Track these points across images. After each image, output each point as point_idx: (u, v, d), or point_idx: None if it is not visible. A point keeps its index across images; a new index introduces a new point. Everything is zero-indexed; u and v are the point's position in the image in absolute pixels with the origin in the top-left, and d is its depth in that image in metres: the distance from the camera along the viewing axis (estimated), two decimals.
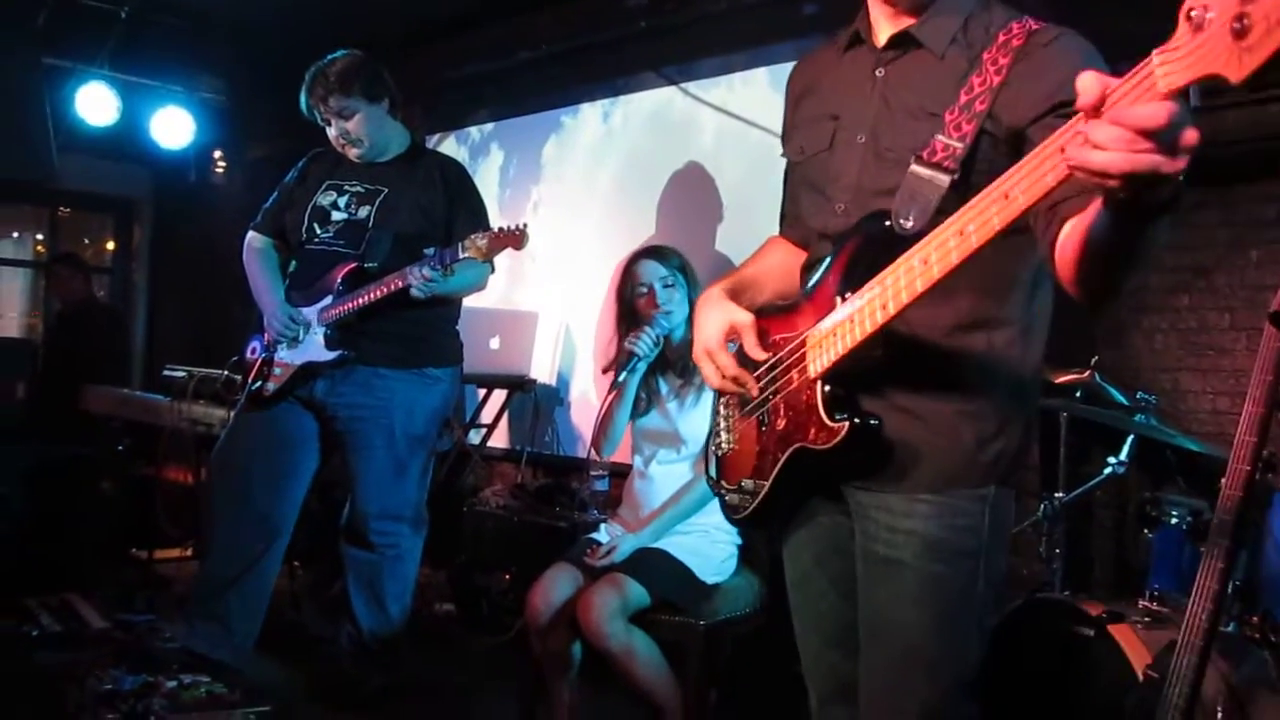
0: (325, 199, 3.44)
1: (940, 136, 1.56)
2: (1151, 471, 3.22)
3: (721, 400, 1.91)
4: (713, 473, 1.92)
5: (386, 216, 3.35)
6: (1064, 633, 2.51)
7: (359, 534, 3.40)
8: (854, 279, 1.55)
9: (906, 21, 1.67)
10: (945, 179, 1.52)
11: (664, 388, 3.25)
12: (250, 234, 3.66)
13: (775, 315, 1.77)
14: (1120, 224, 1.21)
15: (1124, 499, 3.43)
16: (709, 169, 4.76)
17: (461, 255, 3.06)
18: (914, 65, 1.66)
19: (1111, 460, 2.92)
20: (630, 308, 3.27)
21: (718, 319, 1.75)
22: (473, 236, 3.07)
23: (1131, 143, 1.03)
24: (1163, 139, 1.03)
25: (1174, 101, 1.01)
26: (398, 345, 3.33)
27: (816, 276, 1.68)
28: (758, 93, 4.59)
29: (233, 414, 3.58)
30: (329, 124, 3.38)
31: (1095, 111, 1.06)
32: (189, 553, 5.37)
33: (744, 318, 1.73)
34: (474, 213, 3.42)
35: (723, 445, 1.89)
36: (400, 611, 3.48)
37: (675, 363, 3.22)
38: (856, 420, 1.57)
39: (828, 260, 1.65)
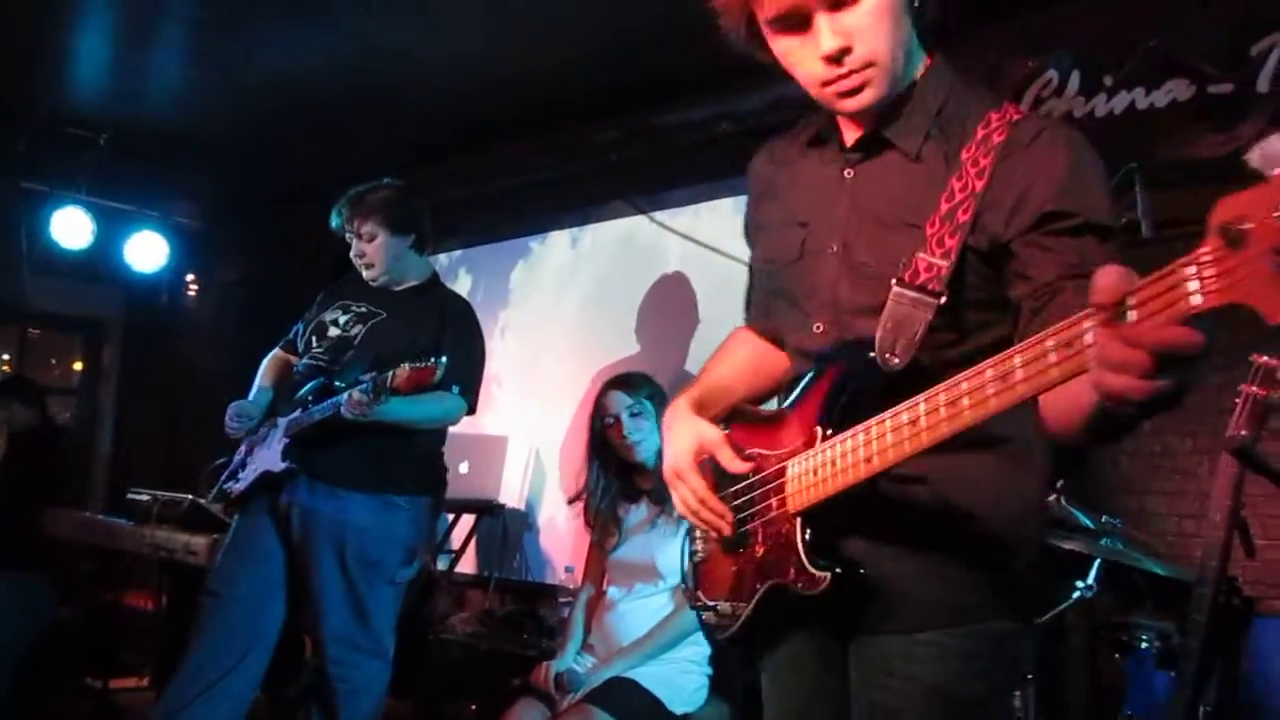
0: (329, 315, 3.46)
1: (922, 254, 1.41)
2: (1121, 594, 3.21)
3: None
4: (690, 582, 1.77)
5: (373, 338, 3.33)
6: None
7: (318, 659, 3.31)
8: (835, 412, 1.46)
9: (876, 125, 1.52)
10: (931, 304, 1.39)
11: (634, 518, 3.24)
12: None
13: (752, 425, 1.66)
14: (1112, 423, 1.14)
15: (1095, 622, 3.41)
16: (676, 293, 4.83)
17: (390, 384, 2.99)
18: (886, 168, 1.51)
19: (1080, 584, 2.91)
20: (600, 438, 3.29)
21: (686, 436, 1.62)
22: (399, 368, 3.00)
23: (1154, 367, 0.95)
24: (1188, 362, 0.95)
25: (1201, 334, 0.93)
26: (360, 468, 3.25)
27: (796, 395, 1.57)
28: (723, 219, 4.71)
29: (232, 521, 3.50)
30: (352, 243, 3.43)
31: (1111, 310, 0.97)
32: (145, 682, 5.21)
33: (713, 434, 1.60)
34: (461, 345, 3.34)
35: (699, 553, 1.75)
36: None
37: (651, 491, 3.21)
38: (838, 572, 1.42)
39: (808, 381, 1.55)
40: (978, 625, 1.47)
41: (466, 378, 3.25)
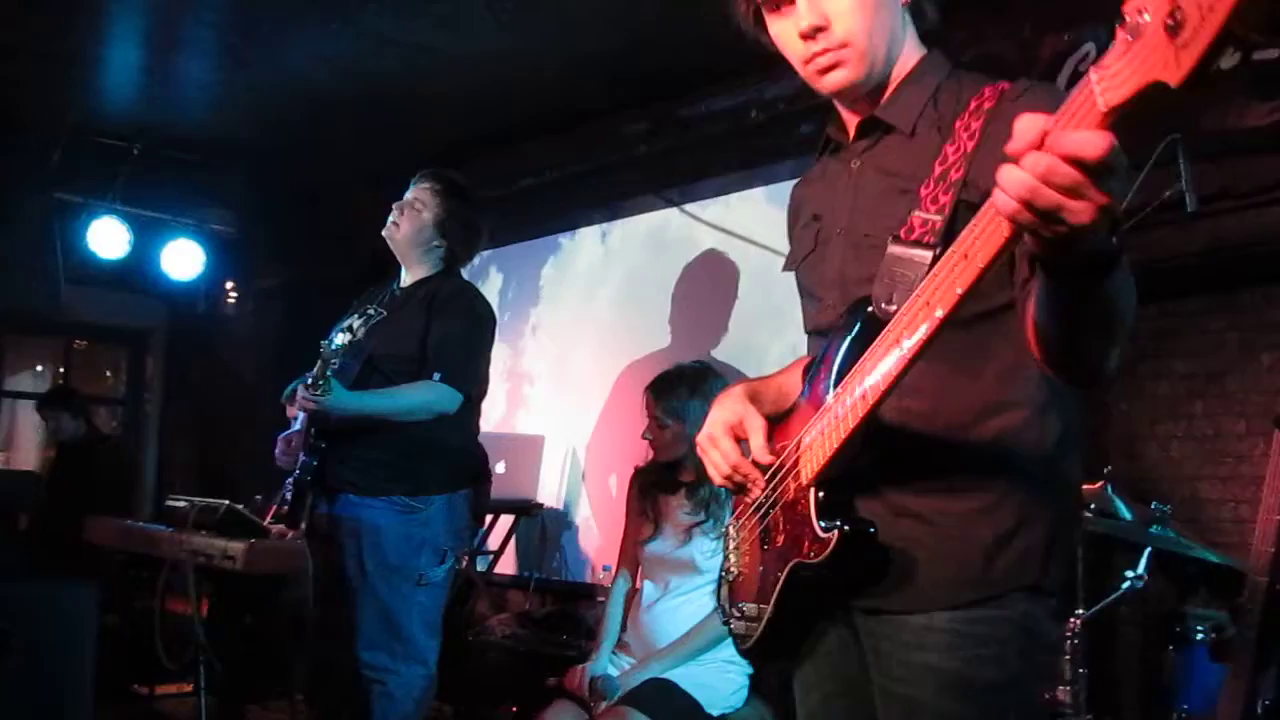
0: (345, 322, 3.34)
1: (917, 212, 1.45)
2: (1173, 584, 3.11)
3: (730, 522, 1.74)
4: (723, 601, 1.74)
5: (369, 340, 3.20)
6: None
7: (353, 665, 3.28)
8: (841, 373, 1.44)
9: (868, 109, 1.58)
10: (926, 255, 1.40)
11: (672, 510, 3.17)
12: None
13: (779, 421, 1.63)
14: (1055, 289, 1.15)
15: (1146, 613, 3.30)
16: (709, 285, 4.77)
17: (327, 373, 2.95)
18: (886, 149, 1.57)
19: (1130, 574, 2.81)
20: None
21: (729, 410, 1.61)
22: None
23: (1049, 172, 0.98)
24: (1094, 171, 0.97)
25: (1110, 133, 0.95)
26: (372, 472, 3.15)
27: (810, 376, 1.57)
28: (755, 210, 4.63)
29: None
30: (397, 209, 3.35)
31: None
32: (189, 688, 5.23)
33: (756, 419, 1.58)
34: (445, 330, 3.21)
35: (731, 570, 1.72)
36: None
37: (690, 485, 3.14)
38: (846, 528, 1.40)
39: (818, 358, 1.54)
40: (993, 605, 1.43)
41: (449, 365, 3.11)
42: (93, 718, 4.41)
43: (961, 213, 1.39)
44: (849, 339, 1.45)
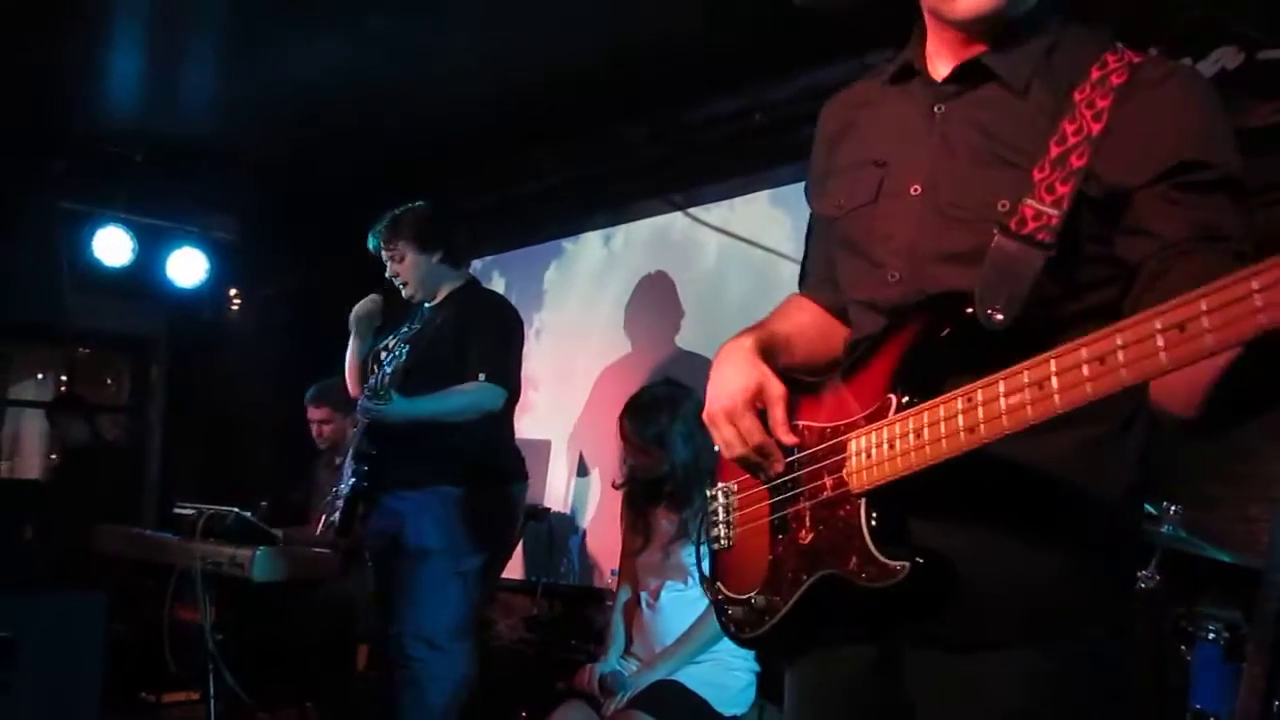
0: (383, 345, 3.60)
1: (1030, 200, 1.24)
2: (1185, 583, 3.10)
3: (719, 486, 1.57)
4: (707, 570, 1.59)
5: (409, 355, 3.42)
6: None
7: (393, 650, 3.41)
8: (915, 376, 1.27)
9: (976, 49, 1.35)
10: (1040, 256, 1.21)
11: (658, 521, 3.19)
12: None
13: (803, 392, 1.45)
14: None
15: (1157, 613, 3.30)
16: (712, 289, 4.77)
17: (384, 381, 3.23)
18: (986, 102, 1.34)
19: (1141, 574, 2.81)
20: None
21: (745, 375, 1.42)
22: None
23: None
24: None
25: None
26: (411, 465, 3.38)
27: (858, 357, 1.40)
28: (760, 212, 4.64)
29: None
30: (387, 264, 3.60)
31: None
32: (197, 696, 5.23)
33: (776, 387, 1.40)
34: (483, 335, 3.46)
35: (721, 540, 1.55)
36: None
37: (672, 494, 3.16)
38: (919, 561, 1.23)
39: (876, 339, 1.37)
40: (1069, 637, 1.27)
41: (492, 364, 3.36)
42: None
43: (1083, 210, 1.24)
44: (930, 336, 1.29)
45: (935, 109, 1.38)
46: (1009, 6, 1.30)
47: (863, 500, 1.29)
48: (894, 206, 1.39)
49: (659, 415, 3.16)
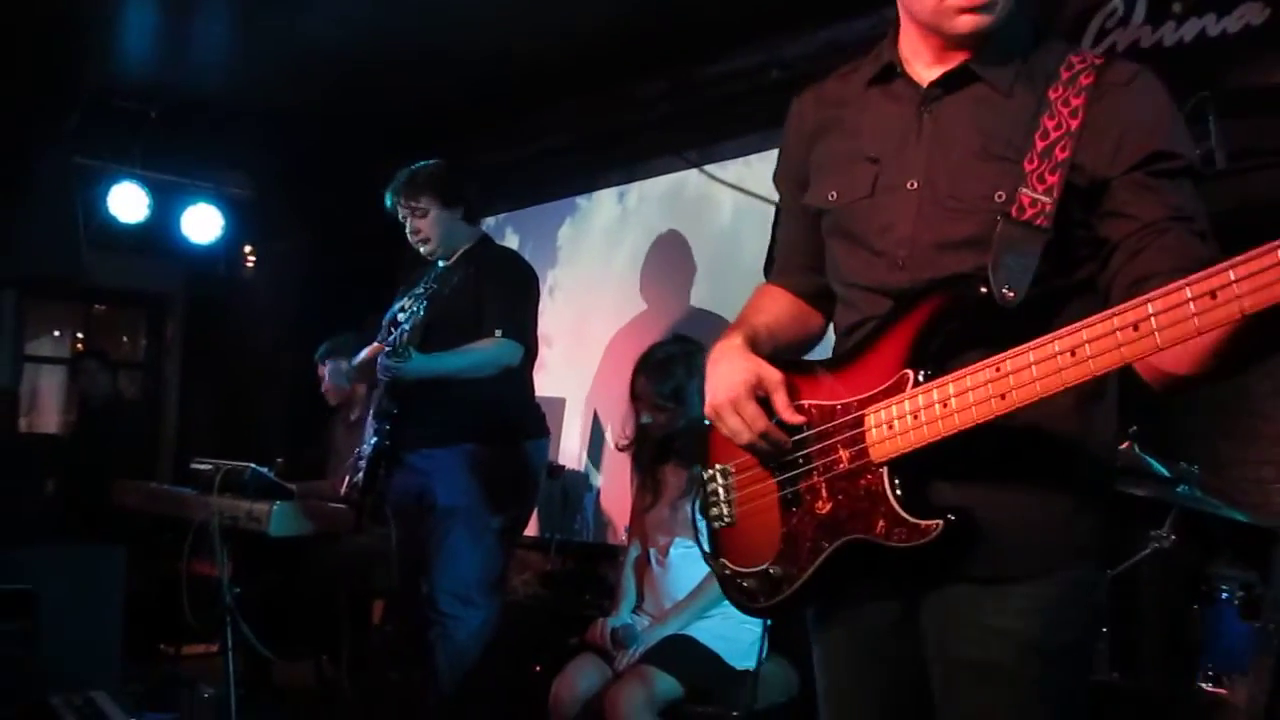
0: (399, 305, 3.61)
1: (1025, 190, 1.38)
2: (1199, 543, 3.10)
3: (716, 467, 1.66)
4: (708, 547, 1.68)
5: (426, 312, 3.45)
6: (1119, 718, 2.40)
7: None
8: (932, 352, 1.39)
9: (959, 57, 1.48)
10: (1040, 239, 1.36)
11: (667, 478, 3.20)
12: None
13: (800, 373, 1.55)
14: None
15: (1171, 573, 3.30)
16: (727, 246, 4.75)
17: (404, 339, 3.24)
18: (973, 103, 1.47)
19: (1155, 533, 2.82)
20: (635, 406, 3.28)
21: (741, 369, 1.53)
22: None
23: None
24: None
25: None
26: (435, 425, 3.40)
27: (865, 337, 1.50)
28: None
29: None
30: (405, 220, 3.59)
31: None
32: (215, 648, 5.30)
33: (773, 373, 1.52)
34: (499, 292, 3.48)
35: (723, 517, 1.64)
36: (452, 685, 3.42)
37: (681, 450, 3.17)
38: (951, 518, 1.35)
39: (886, 321, 1.46)
40: (1067, 571, 1.45)
41: (508, 320, 3.39)
42: (122, 676, 4.48)
43: (1070, 196, 1.38)
44: (945, 315, 1.40)
45: (923, 112, 1.50)
46: (995, 29, 1.44)
47: (885, 468, 1.40)
48: (891, 200, 1.50)
49: (675, 371, 3.17)
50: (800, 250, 1.71)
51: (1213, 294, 1.08)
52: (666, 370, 3.17)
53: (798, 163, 1.68)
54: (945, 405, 1.33)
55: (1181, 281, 1.12)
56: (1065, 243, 1.40)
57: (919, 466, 1.39)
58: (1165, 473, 2.87)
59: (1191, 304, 1.10)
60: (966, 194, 1.44)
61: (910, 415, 1.37)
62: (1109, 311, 1.19)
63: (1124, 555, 2.93)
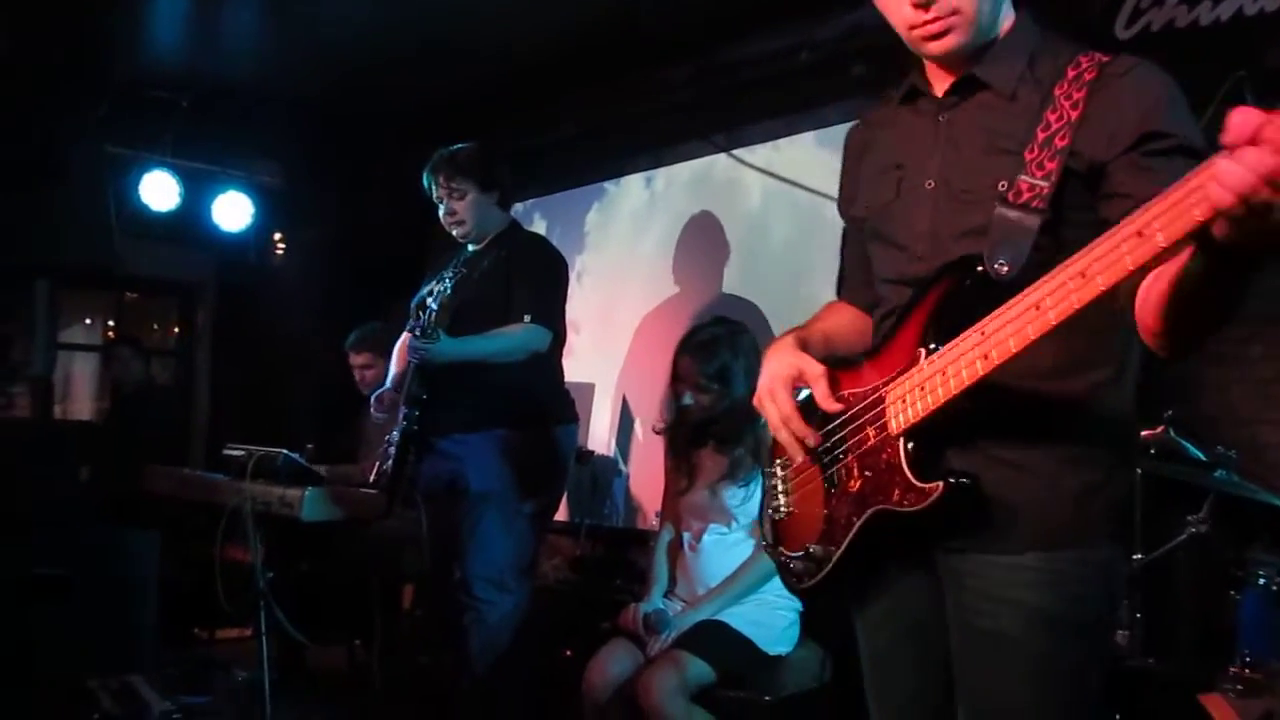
0: (427, 289, 3.59)
1: (1024, 176, 1.49)
2: (1236, 529, 3.07)
3: (777, 461, 1.80)
4: (769, 538, 1.81)
5: (455, 296, 3.45)
6: (1154, 704, 2.38)
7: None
8: (940, 329, 1.49)
9: (963, 68, 1.62)
10: (1035, 220, 1.46)
11: (704, 462, 3.20)
12: None
13: (843, 368, 1.68)
14: (1215, 271, 1.17)
15: (1207, 559, 3.27)
16: (756, 231, 4.73)
17: (432, 320, 3.25)
18: (982, 107, 1.60)
19: (1191, 519, 2.79)
20: (674, 388, 3.26)
21: (785, 363, 1.66)
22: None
23: (1272, 172, 1.00)
24: None
25: None
26: (466, 411, 3.41)
27: (892, 325, 1.61)
28: (805, 153, 4.58)
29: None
30: (441, 202, 3.58)
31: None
32: (249, 632, 5.35)
33: (815, 367, 1.64)
34: (527, 277, 3.47)
35: (780, 509, 1.78)
36: (485, 669, 3.43)
37: (719, 435, 3.16)
38: (951, 480, 1.44)
39: (905, 310, 1.58)
40: (1079, 549, 1.51)
41: (536, 305, 3.39)
42: (158, 660, 4.54)
43: (1069, 180, 1.48)
44: (950, 294, 1.50)
45: (940, 118, 1.64)
46: (972, 40, 1.57)
47: (900, 439, 1.50)
48: (913, 199, 1.64)
49: (720, 351, 3.15)
50: (860, 267, 1.82)
51: (1139, 233, 1.17)
52: (711, 351, 3.15)
53: (850, 185, 1.84)
54: (944, 374, 1.43)
55: (1118, 226, 1.21)
56: (1065, 223, 1.48)
57: (932, 437, 1.49)
58: (1202, 457, 2.85)
59: (1123, 244, 1.18)
60: (975, 186, 1.55)
61: (919, 388, 1.47)
62: (1060, 265, 1.28)
63: (1159, 540, 2.91)
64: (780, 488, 1.78)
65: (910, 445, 1.49)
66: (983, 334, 1.38)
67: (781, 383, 1.65)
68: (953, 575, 1.57)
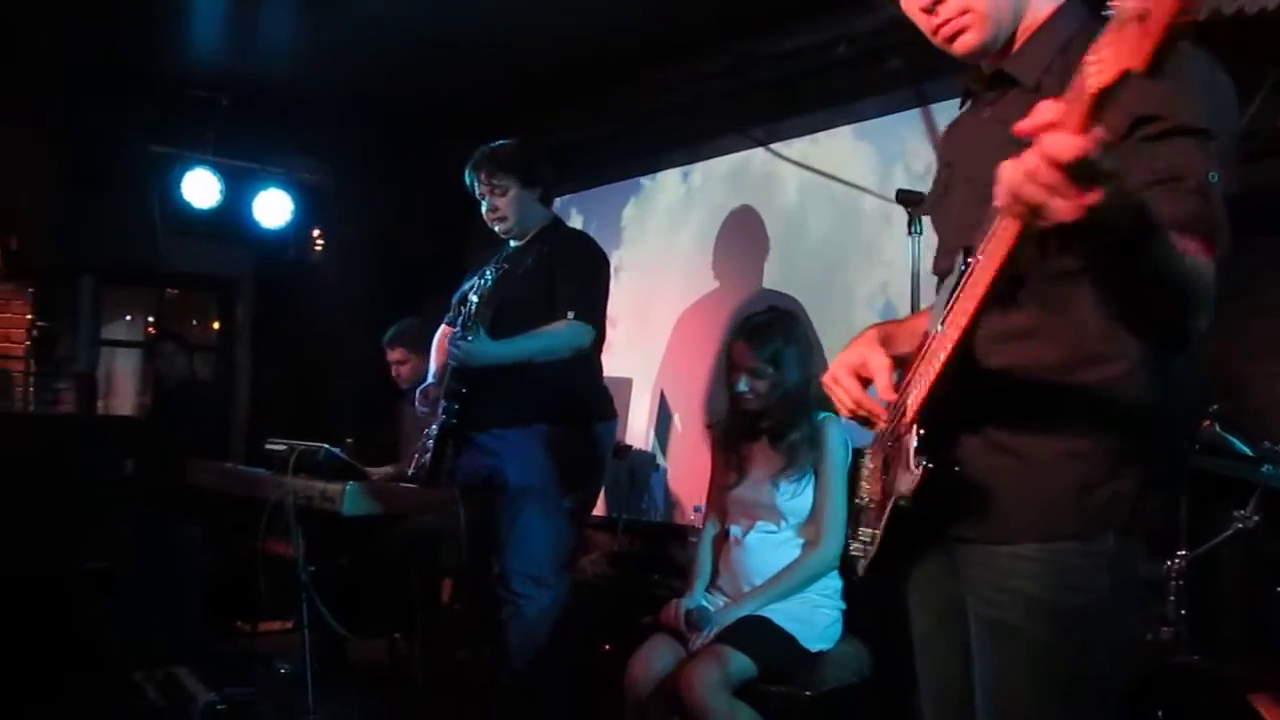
0: (469, 285, 3.63)
1: None
2: None
3: (867, 451, 1.86)
4: (850, 525, 1.90)
5: (497, 293, 3.46)
6: (1199, 702, 2.36)
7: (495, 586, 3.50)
8: (942, 317, 1.53)
9: (995, 63, 1.65)
10: None
11: (754, 456, 3.19)
12: None
13: (910, 363, 1.70)
14: (1092, 261, 1.25)
15: (1253, 555, 3.23)
16: (793, 225, 4.72)
17: (473, 314, 3.28)
18: (1010, 102, 1.61)
19: (1238, 514, 2.76)
20: (728, 378, 3.24)
21: (855, 353, 1.70)
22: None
23: (1033, 171, 1.07)
24: (1074, 173, 1.06)
25: (1089, 136, 1.04)
26: (507, 406, 3.42)
27: (932, 318, 1.65)
28: (842, 147, 4.56)
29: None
30: (483, 198, 3.60)
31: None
32: (290, 625, 5.40)
33: (881, 360, 1.66)
34: (570, 274, 3.48)
35: (863, 497, 1.84)
36: (524, 663, 3.45)
37: (770, 429, 3.15)
38: (930, 465, 1.49)
39: (938, 300, 1.65)
40: (1082, 541, 1.51)
41: (578, 303, 3.40)
42: (204, 651, 4.60)
43: None
44: (953, 283, 1.52)
45: (984, 114, 1.68)
46: (992, 36, 1.59)
47: (914, 426, 1.54)
48: (955, 195, 1.71)
49: (774, 336, 3.16)
50: None
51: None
52: (765, 335, 3.15)
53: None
54: (935, 357, 1.49)
55: None
56: None
57: (935, 423, 1.52)
58: (1249, 452, 2.81)
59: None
60: (992, 180, 1.54)
61: (920, 374, 1.55)
62: (985, 242, 1.35)
63: (1205, 536, 2.88)
64: (864, 474, 1.84)
65: (920, 431, 1.53)
66: (953, 313, 1.43)
67: (845, 369, 1.69)
68: (965, 565, 1.62)
